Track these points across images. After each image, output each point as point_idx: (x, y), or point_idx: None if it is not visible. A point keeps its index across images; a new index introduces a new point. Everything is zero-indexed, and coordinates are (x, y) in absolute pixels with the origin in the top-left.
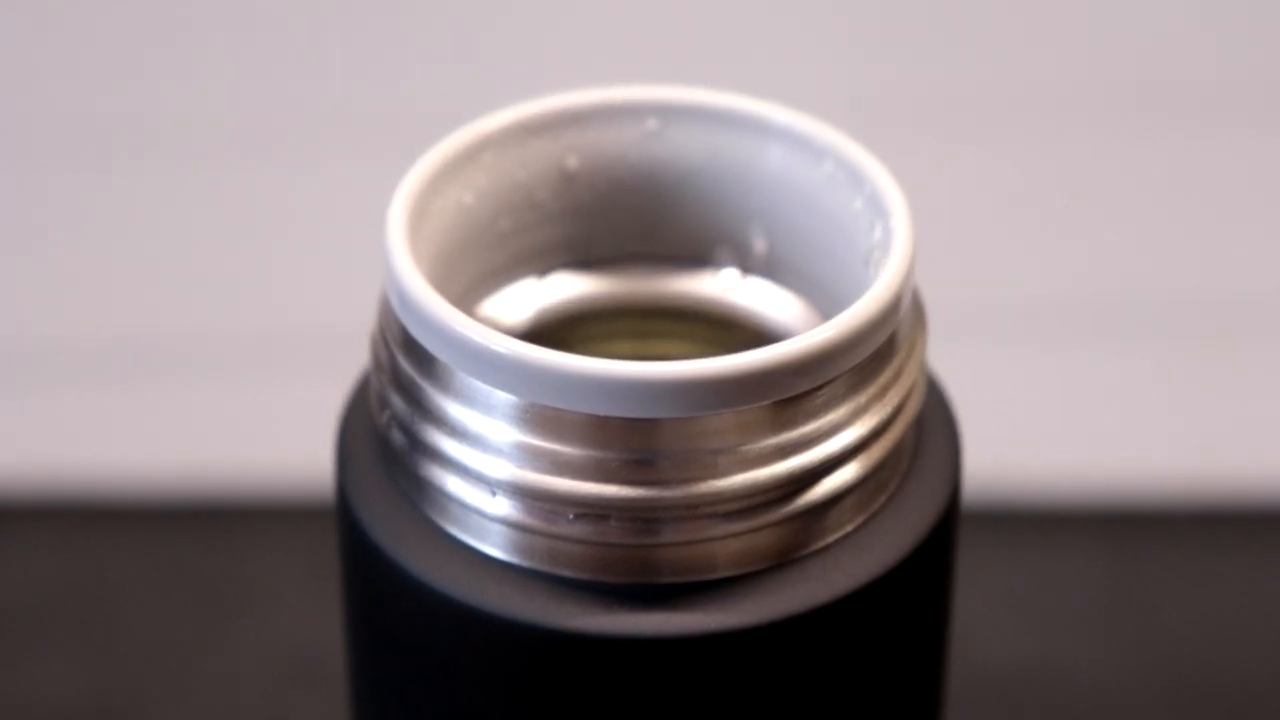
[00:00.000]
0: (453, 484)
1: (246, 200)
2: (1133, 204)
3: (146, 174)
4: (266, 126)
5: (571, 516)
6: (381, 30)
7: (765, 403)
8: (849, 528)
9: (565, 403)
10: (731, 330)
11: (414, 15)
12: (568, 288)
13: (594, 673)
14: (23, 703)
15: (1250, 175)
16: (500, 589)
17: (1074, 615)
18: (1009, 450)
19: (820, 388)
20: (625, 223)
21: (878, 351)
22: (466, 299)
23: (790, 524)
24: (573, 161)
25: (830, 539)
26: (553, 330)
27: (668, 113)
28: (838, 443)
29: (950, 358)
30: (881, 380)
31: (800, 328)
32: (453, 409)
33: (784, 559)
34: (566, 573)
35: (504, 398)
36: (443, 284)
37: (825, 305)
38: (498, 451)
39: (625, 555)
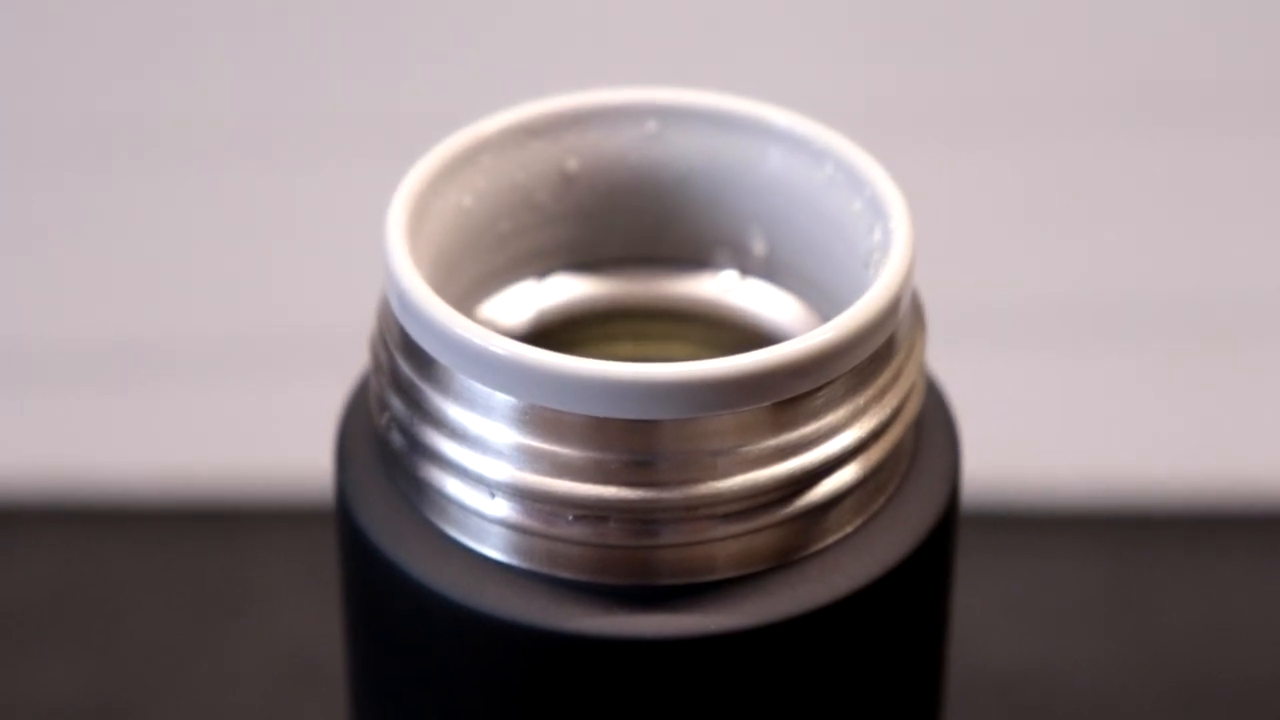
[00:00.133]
0: (452, 486)
1: (247, 201)
2: (1133, 205)
3: (146, 174)
4: (266, 127)
5: (571, 518)
6: (381, 31)
7: (764, 404)
8: (848, 529)
9: (564, 404)
10: (731, 332)
11: (414, 16)
12: (567, 290)
13: (593, 674)
14: (23, 703)
15: (1250, 176)
16: (499, 590)
17: (1073, 616)
18: (1008, 451)
19: (819, 389)
20: (625, 225)
21: (877, 353)
22: (466, 301)
23: (790, 525)
24: (572, 163)
25: (830, 540)
26: (552, 332)
27: (667, 115)
28: (837, 444)
29: (949, 359)
30: (881, 382)
31: (799, 329)
32: (452, 411)
33: (783, 560)
34: (566, 574)
35: (503, 399)
36: (442, 286)
37: (825, 307)
38: (497, 453)
39: (624, 557)
